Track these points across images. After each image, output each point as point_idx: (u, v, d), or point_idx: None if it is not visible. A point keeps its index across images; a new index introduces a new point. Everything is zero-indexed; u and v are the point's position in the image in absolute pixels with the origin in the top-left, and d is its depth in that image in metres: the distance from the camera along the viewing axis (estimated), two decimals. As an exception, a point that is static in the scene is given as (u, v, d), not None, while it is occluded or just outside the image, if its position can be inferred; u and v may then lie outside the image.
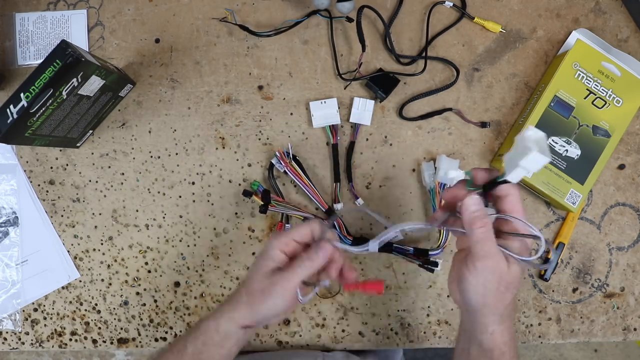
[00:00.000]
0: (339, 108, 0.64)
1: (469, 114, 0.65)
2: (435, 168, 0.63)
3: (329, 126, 0.64)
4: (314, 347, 0.66)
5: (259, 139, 0.65)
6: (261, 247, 0.65)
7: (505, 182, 0.42)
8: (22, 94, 0.49)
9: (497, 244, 0.42)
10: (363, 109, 0.64)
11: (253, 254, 0.65)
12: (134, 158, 0.65)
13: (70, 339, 0.66)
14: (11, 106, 0.49)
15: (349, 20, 0.63)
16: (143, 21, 0.66)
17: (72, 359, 1.50)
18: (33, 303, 0.66)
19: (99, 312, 0.66)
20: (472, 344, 0.46)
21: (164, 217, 0.65)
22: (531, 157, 0.38)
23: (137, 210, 0.65)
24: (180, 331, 0.65)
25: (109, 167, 0.65)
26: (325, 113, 0.64)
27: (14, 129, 0.50)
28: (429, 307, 0.65)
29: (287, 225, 0.64)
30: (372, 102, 0.64)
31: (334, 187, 0.64)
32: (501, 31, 0.65)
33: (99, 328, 0.66)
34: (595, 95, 0.62)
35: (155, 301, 0.66)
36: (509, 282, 0.43)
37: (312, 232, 0.47)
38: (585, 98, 0.62)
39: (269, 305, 0.45)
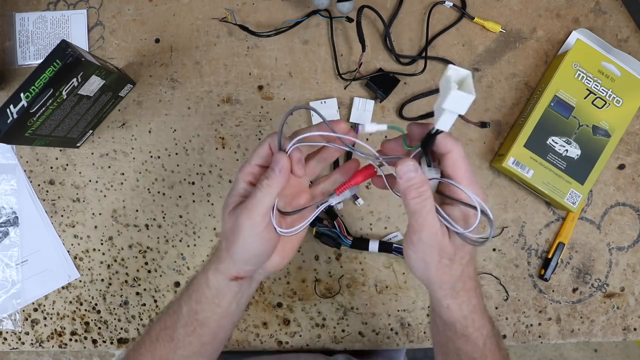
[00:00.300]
0: (339, 108, 0.64)
1: (469, 114, 0.65)
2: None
3: None
4: (314, 347, 0.66)
5: (259, 139, 0.65)
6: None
7: (438, 132, 0.37)
8: (22, 94, 0.49)
9: (435, 213, 0.38)
10: (363, 109, 0.64)
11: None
12: (134, 158, 0.65)
13: (70, 339, 0.66)
14: (11, 106, 0.49)
15: (349, 20, 0.63)
16: (143, 21, 0.66)
17: (72, 359, 1.50)
18: (33, 303, 0.66)
19: (99, 312, 0.66)
20: (437, 317, 0.44)
21: (164, 217, 0.65)
22: (452, 97, 0.35)
23: (137, 210, 0.65)
24: (180, 331, 0.65)
25: (109, 167, 0.65)
26: (325, 113, 0.64)
27: (14, 129, 0.50)
28: (429, 307, 0.65)
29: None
30: (372, 102, 0.64)
31: None
32: (501, 31, 0.65)
33: (99, 328, 0.66)
34: (595, 95, 0.62)
35: (155, 301, 0.66)
36: (452, 254, 0.39)
37: (272, 148, 0.40)
38: (585, 98, 0.62)
39: (241, 244, 0.39)
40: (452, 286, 0.40)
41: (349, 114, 0.64)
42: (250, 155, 0.41)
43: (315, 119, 0.64)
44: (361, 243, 0.63)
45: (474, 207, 0.36)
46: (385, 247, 0.62)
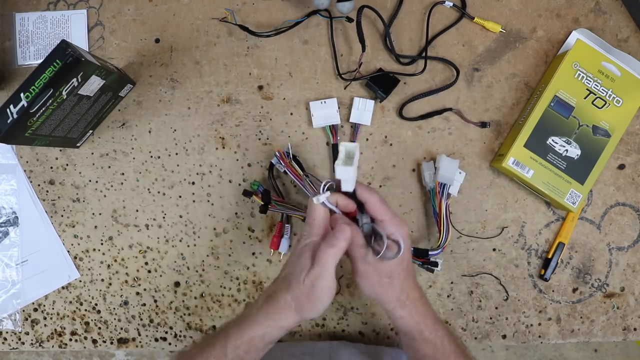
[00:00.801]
0: (339, 108, 0.64)
1: (469, 114, 0.65)
2: (436, 168, 0.63)
3: (329, 126, 0.64)
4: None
5: (259, 139, 0.65)
6: (261, 247, 0.65)
7: (347, 192, 0.47)
8: (22, 94, 0.49)
9: (365, 246, 0.46)
10: (363, 109, 0.64)
11: (253, 254, 0.65)
12: (134, 158, 0.65)
13: (70, 339, 0.66)
14: (11, 106, 0.49)
15: (349, 20, 0.63)
16: (143, 21, 0.66)
17: (72, 359, 1.50)
18: (33, 303, 0.66)
19: (99, 312, 0.66)
20: (398, 331, 0.51)
21: (164, 217, 0.65)
22: (338, 170, 0.43)
23: (137, 210, 0.65)
24: (180, 331, 0.65)
25: (109, 167, 0.65)
26: (325, 113, 0.64)
27: (14, 129, 0.50)
28: (429, 307, 0.65)
29: (286, 225, 0.64)
30: (372, 102, 0.64)
31: None
32: (501, 31, 0.65)
33: (99, 328, 0.66)
34: (595, 95, 0.62)
35: (155, 301, 0.66)
36: (389, 273, 0.47)
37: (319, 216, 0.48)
38: (585, 98, 0.62)
39: (319, 308, 0.45)
40: (397, 298, 0.48)
41: (348, 114, 0.64)
42: (335, 238, 0.45)
43: (316, 120, 0.64)
44: None
45: (396, 240, 0.45)
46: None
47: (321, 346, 0.62)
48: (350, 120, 0.64)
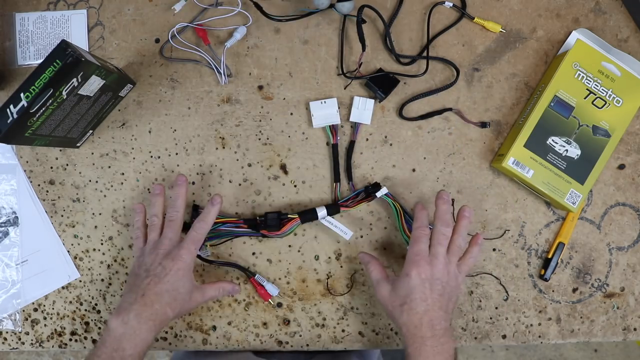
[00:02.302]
0: (339, 108, 0.64)
1: (469, 114, 0.65)
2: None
3: (329, 126, 0.64)
4: (314, 347, 0.66)
5: (259, 139, 0.65)
6: (261, 248, 0.65)
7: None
8: (22, 94, 0.49)
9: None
10: (363, 108, 0.64)
11: (253, 254, 0.65)
12: (134, 158, 0.65)
13: (70, 339, 0.66)
14: (11, 106, 0.49)
15: (360, 20, 0.62)
16: (143, 21, 0.66)
17: (72, 359, 1.50)
18: (33, 303, 0.66)
19: (99, 312, 0.66)
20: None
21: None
22: None
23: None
24: (180, 331, 0.65)
25: (109, 167, 0.65)
26: (325, 113, 0.64)
27: (14, 129, 0.50)
28: (429, 307, 0.65)
29: (257, 275, 0.65)
30: (372, 101, 0.64)
31: (334, 187, 0.64)
32: (501, 31, 0.65)
33: (99, 328, 0.66)
34: (595, 95, 0.62)
35: (155, 301, 0.66)
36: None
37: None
38: (585, 98, 0.62)
39: None
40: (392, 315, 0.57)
41: (348, 113, 0.64)
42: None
43: (316, 120, 0.64)
44: (309, 214, 0.63)
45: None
46: (333, 209, 0.63)
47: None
48: (350, 119, 0.64)
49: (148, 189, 0.65)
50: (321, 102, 0.64)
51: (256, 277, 0.64)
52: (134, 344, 0.52)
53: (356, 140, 0.65)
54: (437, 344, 0.51)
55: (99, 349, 0.52)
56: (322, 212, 0.62)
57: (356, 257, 0.65)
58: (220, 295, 0.61)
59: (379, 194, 0.62)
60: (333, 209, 0.62)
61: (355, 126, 0.64)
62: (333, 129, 0.64)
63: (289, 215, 0.62)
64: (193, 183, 0.65)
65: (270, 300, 0.64)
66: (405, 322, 0.53)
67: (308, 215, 0.62)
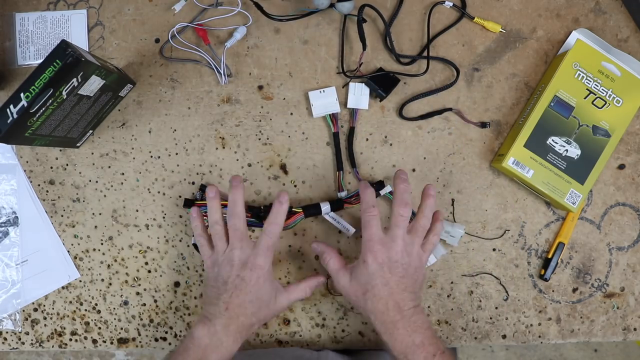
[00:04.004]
0: (337, 98, 0.64)
1: (469, 114, 0.65)
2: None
3: (329, 115, 0.64)
4: (314, 347, 0.66)
5: (259, 139, 0.65)
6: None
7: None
8: (22, 94, 0.49)
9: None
10: (360, 94, 0.64)
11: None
12: (134, 158, 0.65)
13: (70, 339, 0.66)
14: (11, 106, 0.49)
15: (361, 19, 0.63)
16: (143, 21, 0.66)
17: (72, 359, 1.50)
18: (33, 303, 0.66)
19: (99, 312, 0.66)
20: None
21: (164, 217, 0.65)
22: None
23: (137, 210, 0.65)
24: (180, 331, 0.65)
25: (109, 167, 0.65)
26: (324, 102, 0.64)
27: (14, 129, 0.50)
28: (429, 307, 0.65)
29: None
30: (367, 87, 0.64)
31: (338, 175, 0.64)
32: (501, 31, 0.65)
33: (99, 328, 0.66)
34: (595, 95, 0.62)
35: (155, 301, 0.66)
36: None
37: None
38: (585, 98, 0.62)
39: None
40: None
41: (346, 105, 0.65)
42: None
43: (315, 110, 0.64)
44: (313, 209, 0.63)
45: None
46: (337, 205, 0.63)
47: (309, 355, 0.63)
48: (348, 105, 0.64)
49: (148, 189, 0.65)
50: (320, 92, 0.64)
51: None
52: (220, 355, 0.51)
53: (355, 127, 0.64)
54: (409, 324, 0.51)
55: (181, 354, 0.51)
56: (325, 207, 0.62)
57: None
58: (308, 295, 0.59)
59: (382, 192, 0.62)
60: (337, 204, 0.63)
61: (353, 112, 0.64)
62: (333, 117, 0.64)
63: (293, 209, 0.62)
64: (193, 183, 0.65)
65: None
66: (372, 309, 0.52)
67: (312, 209, 0.62)
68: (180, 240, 0.65)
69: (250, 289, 0.53)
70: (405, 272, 0.53)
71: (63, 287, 0.66)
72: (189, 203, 0.64)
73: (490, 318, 0.66)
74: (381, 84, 0.64)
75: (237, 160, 0.65)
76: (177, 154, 0.65)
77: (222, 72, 0.63)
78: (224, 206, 0.59)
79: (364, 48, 0.61)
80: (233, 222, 0.55)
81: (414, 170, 0.65)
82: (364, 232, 0.54)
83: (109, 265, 0.66)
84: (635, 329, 0.66)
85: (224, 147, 0.65)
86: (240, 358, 0.63)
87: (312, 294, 0.61)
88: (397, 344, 0.51)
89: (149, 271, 0.66)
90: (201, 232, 0.58)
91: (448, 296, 0.66)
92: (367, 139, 0.65)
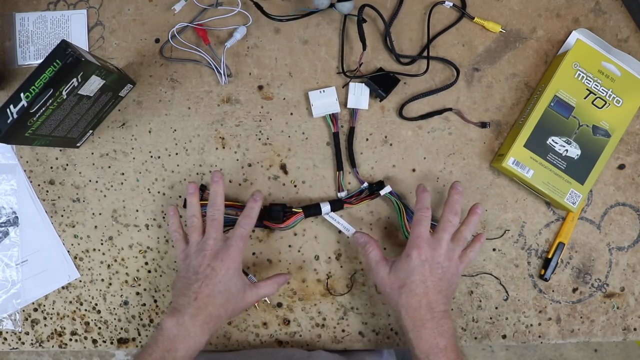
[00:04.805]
0: (337, 97, 0.64)
1: (469, 114, 0.65)
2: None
3: (329, 115, 0.64)
4: (314, 347, 0.66)
5: (259, 139, 0.65)
6: (261, 248, 0.65)
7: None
8: (22, 94, 0.49)
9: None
10: (360, 94, 0.64)
11: (253, 253, 0.65)
12: (134, 158, 0.65)
13: (70, 339, 0.66)
14: (11, 106, 0.49)
15: (361, 19, 0.63)
16: (143, 21, 0.66)
17: (72, 359, 1.50)
18: (33, 303, 0.66)
19: (99, 312, 0.66)
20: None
21: (164, 217, 0.65)
22: None
23: (137, 210, 0.65)
24: (180, 331, 0.65)
25: (109, 167, 0.65)
26: (324, 102, 0.64)
27: (14, 129, 0.50)
28: (429, 307, 0.65)
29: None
30: (367, 87, 0.64)
31: (338, 175, 0.64)
32: (501, 31, 0.65)
33: (99, 328, 0.66)
34: (595, 95, 0.62)
35: (155, 301, 0.66)
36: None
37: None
38: (585, 98, 0.62)
39: None
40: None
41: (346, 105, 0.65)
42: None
43: (315, 110, 0.64)
44: (313, 209, 0.63)
45: None
46: (337, 205, 0.63)
47: (300, 354, 0.63)
48: (348, 105, 0.64)
49: (148, 189, 0.65)
50: (320, 92, 0.64)
51: (249, 277, 0.64)
52: (187, 345, 0.51)
53: (355, 127, 0.64)
54: (436, 326, 0.52)
55: (150, 347, 0.52)
56: (325, 207, 0.62)
57: (356, 257, 0.65)
58: (276, 291, 0.60)
59: (382, 192, 0.63)
60: (337, 205, 0.63)
61: (353, 112, 0.64)
62: (333, 117, 0.64)
63: (293, 209, 0.62)
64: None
65: (256, 304, 0.64)
66: (404, 304, 0.53)
67: (312, 210, 0.62)
68: (180, 240, 0.65)
69: (220, 279, 0.54)
70: (444, 275, 0.55)
71: (63, 287, 0.66)
72: None
73: (490, 318, 0.66)
74: (381, 84, 0.64)
75: (237, 160, 0.65)
76: (177, 154, 0.65)
77: (222, 72, 0.63)
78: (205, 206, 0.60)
79: (364, 48, 0.61)
80: (212, 212, 0.57)
81: (414, 170, 0.65)
82: (413, 229, 0.56)
83: (109, 265, 0.66)
84: (635, 329, 0.66)
85: (224, 147, 0.65)
86: (231, 358, 0.64)
87: (278, 291, 0.63)
88: (422, 342, 0.52)
89: (149, 271, 0.66)
90: (177, 227, 0.60)
91: (448, 296, 0.66)
92: (367, 139, 0.65)
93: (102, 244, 0.66)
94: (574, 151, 0.62)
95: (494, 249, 0.66)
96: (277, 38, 0.65)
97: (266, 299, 0.64)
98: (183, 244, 0.58)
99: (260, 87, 0.65)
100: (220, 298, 0.54)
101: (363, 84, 0.64)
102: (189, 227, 0.58)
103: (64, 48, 0.49)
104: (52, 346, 0.66)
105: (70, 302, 0.66)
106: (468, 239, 0.58)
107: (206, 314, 0.53)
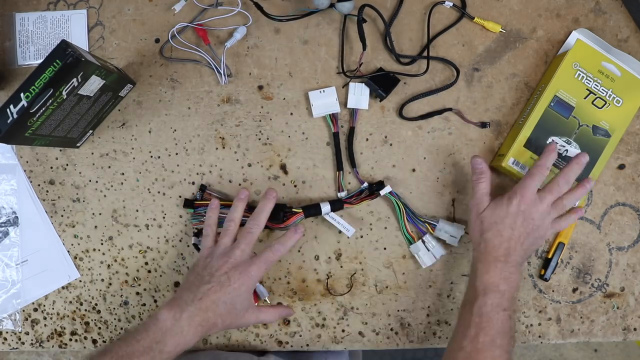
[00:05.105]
0: (337, 97, 0.64)
1: (469, 114, 0.65)
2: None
3: (329, 115, 0.64)
4: (314, 347, 0.66)
5: (259, 139, 0.65)
6: (261, 248, 0.65)
7: None
8: (22, 94, 0.49)
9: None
10: (360, 94, 0.64)
11: (254, 253, 0.65)
12: (134, 158, 0.65)
13: (70, 339, 0.66)
14: (11, 106, 0.49)
15: (361, 19, 0.62)
16: (143, 21, 0.66)
17: (72, 359, 1.50)
18: (33, 303, 0.66)
19: (99, 312, 0.66)
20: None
21: (164, 217, 0.65)
22: None
23: (137, 210, 0.65)
24: (180, 331, 0.65)
25: (109, 167, 0.65)
26: (324, 102, 0.64)
27: (14, 129, 0.50)
28: (428, 307, 0.65)
29: None
30: (367, 87, 0.64)
31: (338, 175, 0.64)
32: (501, 31, 0.65)
33: (99, 328, 0.66)
34: (595, 95, 0.62)
35: (155, 301, 0.66)
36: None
37: None
38: (585, 98, 0.62)
39: None
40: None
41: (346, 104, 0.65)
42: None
43: (315, 110, 0.64)
44: (313, 209, 0.63)
45: None
46: (337, 205, 0.63)
47: (249, 356, 0.63)
48: (348, 105, 0.64)
49: (148, 189, 0.65)
50: (320, 92, 0.64)
51: (259, 287, 0.63)
52: (176, 342, 0.51)
53: (355, 127, 0.64)
54: (505, 270, 0.54)
55: (140, 333, 0.51)
56: (326, 207, 0.62)
57: (357, 257, 0.65)
58: (275, 321, 0.61)
59: (382, 192, 0.63)
60: (337, 205, 0.63)
61: (353, 112, 0.64)
62: (333, 117, 0.64)
63: (293, 209, 0.62)
64: (193, 183, 0.65)
65: (257, 304, 0.64)
66: (487, 238, 0.56)
67: (312, 210, 0.62)
68: (180, 240, 0.65)
69: (231, 290, 0.54)
70: (532, 231, 0.56)
71: (63, 287, 0.66)
72: (189, 203, 0.64)
73: (490, 318, 0.66)
74: (381, 84, 0.64)
75: (237, 160, 0.65)
76: (177, 154, 0.65)
77: (222, 72, 0.63)
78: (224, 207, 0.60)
79: (364, 48, 0.61)
80: (251, 225, 0.57)
81: (414, 170, 0.65)
82: (525, 179, 0.57)
83: (109, 265, 0.66)
84: (635, 329, 0.66)
85: (224, 147, 0.65)
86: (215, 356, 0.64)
87: (277, 321, 0.64)
88: (486, 276, 0.54)
89: (149, 271, 0.66)
90: (212, 223, 0.60)
91: (448, 296, 0.65)
92: (367, 139, 0.65)
93: (102, 244, 0.66)
94: (574, 151, 0.62)
95: (494, 249, 0.65)
96: (277, 38, 0.65)
97: (266, 299, 0.64)
98: (211, 242, 0.58)
99: (260, 87, 0.65)
100: (223, 308, 0.54)
101: (363, 84, 0.64)
102: (224, 229, 0.58)
103: (64, 48, 0.49)
104: (52, 346, 0.66)
105: (70, 302, 0.66)
106: (567, 208, 0.59)
107: (204, 318, 0.53)
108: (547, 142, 0.62)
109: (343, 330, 0.65)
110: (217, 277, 0.54)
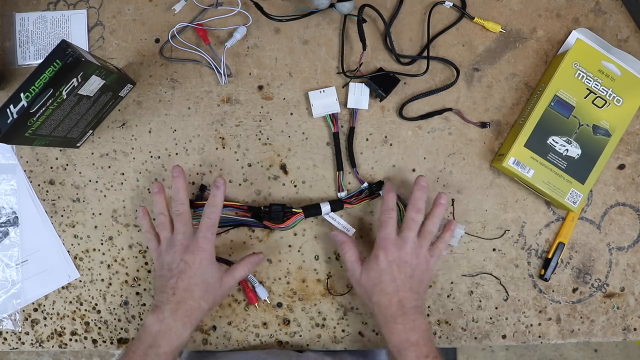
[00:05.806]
0: (337, 97, 0.64)
1: (469, 114, 0.65)
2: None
3: (329, 115, 0.64)
4: (314, 347, 0.66)
5: (259, 139, 0.65)
6: (261, 248, 0.65)
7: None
8: (22, 94, 0.49)
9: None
10: (360, 94, 0.64)
11: (253, 253, 0.65)
12: (134, 158, 0.65)
13: (70, 339, 0.66)
14: (11, 106, 0.49)
15: (361, 19, 0.63)
16: (143, 21, 0.66)
17: (72, 359, 1.51)
18: (33, 303, 0.66)
19: (99, 312, 0.66)
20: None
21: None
22: None
23: (137, 210, 0.65)
24: (180, 331, 0.65)
25: (109, 167, 0.65)
26: (324, 102, 0.64)
27: (14, 129, 0.50)
28: (429, 307, 0.65)
29: (250, 277, 0.64)
30: (367, 87, 0.64)
31: (338, 175, 0.64)
32: (501, 31, 0.65)
33: (99, 328, 0.66)
34: (596, 94, 0.62)
35: (155, 301, 0.66)
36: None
37: None
38: (585, 97, 0.62)
39: None
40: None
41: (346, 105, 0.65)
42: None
43: (315, 110, 0.64)
44: (313, 209, 0.63)
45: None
46: (337, 205, 0.63)
47: (290, 353, 0.64)
48: (348, 105, 0.64)
49: (148, 189, 0.65)
50: (320, 92, 0.64)
51: (248, 277, 0.64)
52: (169, 340, 0.52)
53: (355, 127, 0.64)
54: (408, 321, 0.53)
55: (134, 344, 0.53)
56: (326, 207, 0.62)
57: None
58: (250, 272, 0.62)
59: (382, 192, 0.63)
60: (337, 205, 0.63)
61: (353, 112, 0.64)
62: (333, 117, 0.64)
63: (293, 209, 0.62)
64: (193, 183, 0.65)
65: (256, 304, 0.64)
66: (377, 302, 0.55)
67: (312, 210, 0.62)
68: (180, 240, 0.65)
69: (195, 272, 0.55)
70: (413, 272, 0.56)
71: (63, 287, 0.66)
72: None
73: (490, 318, 0.66)
74: (381, 84, 0.63)
75: (237, 160, 0.65)
76: (177, 154, 0.65)
77: (222, 72, 0.63)
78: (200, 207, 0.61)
79: (364, 48, 0.61)
80: (176, 207, 0.58)
81: (413, 170, 0.65)
82: (379, 231, 0.57)
83: (109, 265, 0.66)
84: (635, 329, 0.66)
85: (224, 147, 0.65)
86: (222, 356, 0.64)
87: (254, 271, 0.64)
88: (393, 337, 0.53)
89: (149, 271, 0.66)
90: (148, 228, 0.60)
91: (448, 296, 0.65)
92: (367, 139, 0.65)
93: (102, 244, 0.66)
94: (575, 151, 0.62)
95: (494, 249, 0.66)
96: (277, 38, 0.65)
97: (266, 299, 0.64)
98: (155, 243, 0.59)
99: (260, 87, 0.65)
100: (198, 290, 0.55)
101: (363, 84, 0.64)
102: (157, 225, 0.59)
103: (64, 48, 0.49)
104: (52, 346, 0.66)
105: (70, 302, 0.66)
106: (434, 232, 0.58)
107: (186, 308, 0.54)
108: (547, 141, 0.62)
109: (343, 330, 0.65)
110: (175, 268, 0.55)
